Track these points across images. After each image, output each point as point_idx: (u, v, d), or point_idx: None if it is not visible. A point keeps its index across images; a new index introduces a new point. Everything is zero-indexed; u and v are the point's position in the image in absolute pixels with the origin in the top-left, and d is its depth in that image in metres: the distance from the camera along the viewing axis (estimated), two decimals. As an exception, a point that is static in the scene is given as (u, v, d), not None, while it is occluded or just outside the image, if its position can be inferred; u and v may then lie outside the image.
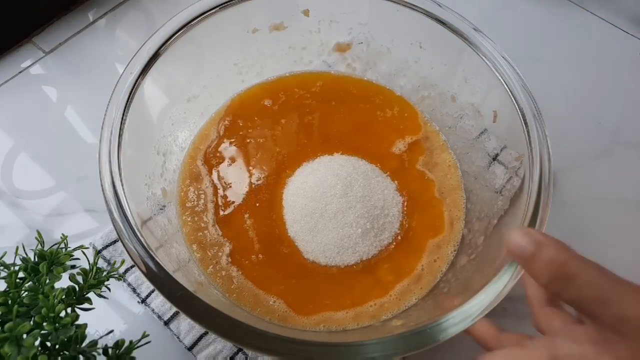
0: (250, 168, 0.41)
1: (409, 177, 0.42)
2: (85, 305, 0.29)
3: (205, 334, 0.36)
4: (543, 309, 0.28)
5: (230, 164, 0.42)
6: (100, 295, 0.30)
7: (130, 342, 0.29)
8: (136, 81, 0.34)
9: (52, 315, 0.26)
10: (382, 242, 0.38)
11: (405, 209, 0.40)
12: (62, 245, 0.31)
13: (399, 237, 0.39)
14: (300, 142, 0.43)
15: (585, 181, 0.46)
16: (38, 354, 0.25)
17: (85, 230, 0.42)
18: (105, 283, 0.31)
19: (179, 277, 0.28)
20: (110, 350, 0.29)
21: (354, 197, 0.38)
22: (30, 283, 0.28)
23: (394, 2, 0.39)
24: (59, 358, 0.26)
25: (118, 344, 0.29)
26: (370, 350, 0.26)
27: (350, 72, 0.47)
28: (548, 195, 0.31)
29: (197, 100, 0.42)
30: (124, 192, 0.31)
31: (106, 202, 0.30)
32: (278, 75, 0.46)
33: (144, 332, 0.30)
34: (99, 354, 0.28)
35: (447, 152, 0.43)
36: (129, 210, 0.30)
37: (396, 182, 0.41)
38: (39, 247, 0.30)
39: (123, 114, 0.33)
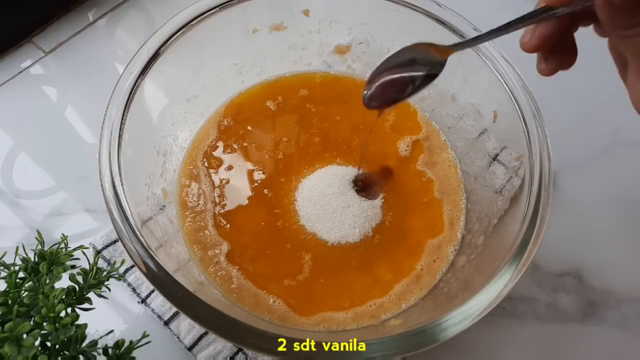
0: (250, 168, 0.41)
1: (408, 176, 0.42)
2: (86, 305, 0.29)
3: (205, 334, 0.36)
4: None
5: (230, 164, 0.42)
6: (100, 295, 0.30)
7: (130, 342, 0.29)
8: (136, 81, 0.34)
9: (52, 315, 0.26)
10: (380, 241, 0.38)
11: (404, 208, 0.40)
12: (62, 245, 0.31)
13: (398, 237, 0.39)
14: (300, 142, 0.43)
15: (585, 181, 0.46)
16: (38, 354, 0.25)
17: (85, 230, 0.42)
18: (105, 283, 0.31)
19: (179, 277, 0.28)
20: (110, 350, 0.29)
21: (351, 196, 0.38)
22: (30, 283, 0.28)
23: (394, 2, 0.39)
24: (59, 358, 0.26)
25: (118, 344, 0.29)
26: (370, 350, 0.26)
27: (350, 73, 0.47)
28: (548, 195, 0.31)
29: (197, 100, 0.43)
30: (124, 192, 0.31)
31: (106, 202, 0.30)
32: (278, 75, 0.46)
33: (144, 332, 0.30)
34: (99, 354, 0.28)
35: (447, 152, 0.43)
36: (129, 210, 0.30)
37: (395, 182, 0.41)
38: (39, 247, 0.30)
39: (123, 114, 0.33)
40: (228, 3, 0.39)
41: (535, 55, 0.31)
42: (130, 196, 0.31)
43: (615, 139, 0.49)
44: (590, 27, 0.30)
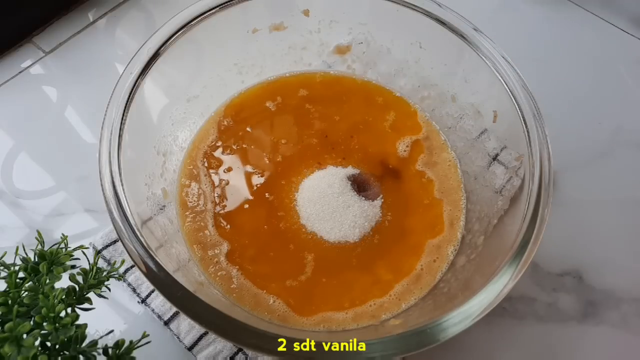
0: (250, 168, 0.41)
1: (408, 176, 0.42)
2: (86, 305, 0.29)
3: (205, 334, 0.36)
4: None
5: (230, 164, 0.42)
6: (100, 295, 0.30)
7: (130, 342, 0.29)
8: (136, 81, 0.34)
9: (52, 315, 0.26)
10: (380, 241, 0.38)
11: (404, 208, 0.40)
12: (62, 245, 0.31)
13: (398, 237, 0.39)
14: (300, 142, 0.43)
15: (585, 181, 0.46)
16: (38, 354, 0.25)
17: (85, 230, 0.42)
18: (106, 283, 0.31)
19: (179, 277, 0.28)
20: (110, 350, 0.29)
21: (351, 196, 0.38)
22: (30, 283, 0.28)
23: (394, 2, 0.39)
24: (59, 358, 0.26)
25: (118, 344, 0.29)
26: (370, 350, 0.26)
27: (350, 73, 0.47)
28: (548, 195, 0.31)
29: (197, 100, 0.43)
30: (124, 192, 0.31)
31: (106, 202, 0.30)
32: (278, 75, 0.46)
33: (144, 332, 0.30)
34: (99, 354, 0.28)
35: (447, 152, 0.43)
36: (128, 210, 0.30)
37: (395, 182, 0.41)
38: (39, 247, 0.30)
39: (123, 114, 0.33)
40: (228, 3, 0.39)
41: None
42: (130, 196, 0.31)
43: (615, 139, 0.49)
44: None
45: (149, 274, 0.28)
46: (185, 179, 0.41)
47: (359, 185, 0.40)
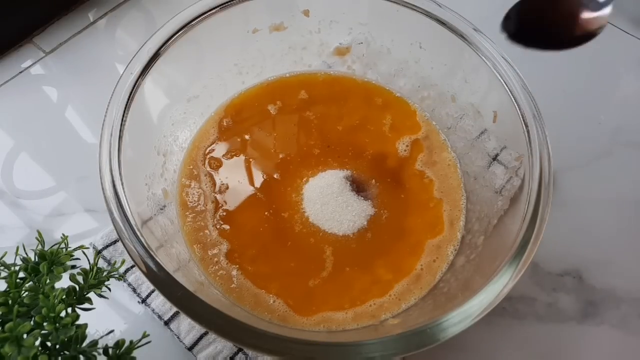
0: (250, 168, 0.41)
1: (408, 176, 0.42)
2: (86, 305, 0.29)
3: (205, 334, 0.36)
4: None
5: (230, 164, 0.42)
6: (100, 295, 0.30)
7: (131, 342, 0.29)
8: (136, 81, 0.34)
9: (52, 315, 0.26)
10: (380, 241, 0.38)
11: (403, 208, 0.40)
12: (63, 245, 0.31)
13: (398, 237, 0.39)
14: (300, 142, 0.43)
15: (585, 181, 0.46)
16: (38, 354, 0.25)
17: (85, 230, 0.42)
18: (106, 283, 0.31)
19: (179, 277, 0.28)
20: (110, 350, 0.29)
21: (351, 196, 0.38)
22: (30, 283, 0.28)
23: (394, 2, 0.39)
24: (59, 358, 0.26)
25: (118, 344, 0.29)
26: (370, 350, 0.26)
27: (350, 73, 0.47)
28: (548, 195, 0.31)
29: (197, 101, 0.43)
30: (124, 192, 0.31)
31: (106, 202, 0.30)
32: (278, 75, 0.46)
33: (144, 332, 0.30)
34: (99, 354, 0.28)
35: (447, 152, 0.43)
36: (129, 210, 0.30)
37: (395, 181, 0.41)
38: (40, 247, 0.30)
39: (123, 114, 0.33)
40: (228, 3, 0.39)
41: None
42: (130, 196, 0.31)
43: (615, 139, 0.49)
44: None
45: (149, 274, 0.28)
46: (186, 179, 0.41)
47: (358, 186, 0.40)
